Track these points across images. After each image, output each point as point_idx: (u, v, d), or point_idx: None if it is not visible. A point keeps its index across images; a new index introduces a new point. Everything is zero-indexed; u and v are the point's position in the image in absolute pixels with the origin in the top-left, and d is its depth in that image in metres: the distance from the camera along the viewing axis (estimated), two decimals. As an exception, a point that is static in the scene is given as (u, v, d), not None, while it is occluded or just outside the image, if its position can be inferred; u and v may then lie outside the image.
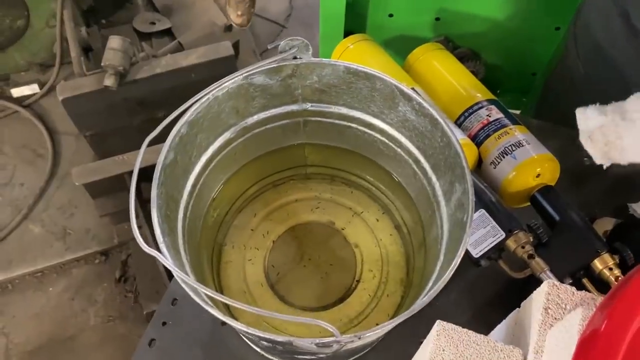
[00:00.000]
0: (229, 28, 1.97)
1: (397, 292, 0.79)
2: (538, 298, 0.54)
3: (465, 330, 0.52)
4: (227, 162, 0.76)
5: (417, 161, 0.72)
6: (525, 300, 0.59)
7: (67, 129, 1.98)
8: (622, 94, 0.67)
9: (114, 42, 1.59)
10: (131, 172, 0.74)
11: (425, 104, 0.65)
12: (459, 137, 0.64)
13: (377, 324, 0.76)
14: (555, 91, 1.04)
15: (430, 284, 0.63)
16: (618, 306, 0.44)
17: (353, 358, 0.76)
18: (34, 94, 2.04)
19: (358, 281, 0.79)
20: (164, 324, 0.81)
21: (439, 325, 0.52)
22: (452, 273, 0.55)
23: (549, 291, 0.53)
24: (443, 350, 0.51)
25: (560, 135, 0.89)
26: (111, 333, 1.79)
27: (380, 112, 0.72)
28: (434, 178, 0.70)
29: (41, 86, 2.04)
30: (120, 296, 1.83)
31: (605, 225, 0.82)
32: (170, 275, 1.50)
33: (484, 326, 0.70)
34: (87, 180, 1.61)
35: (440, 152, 0.66)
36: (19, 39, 1.96)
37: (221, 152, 0.73)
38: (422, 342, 0.59)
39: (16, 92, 2.03)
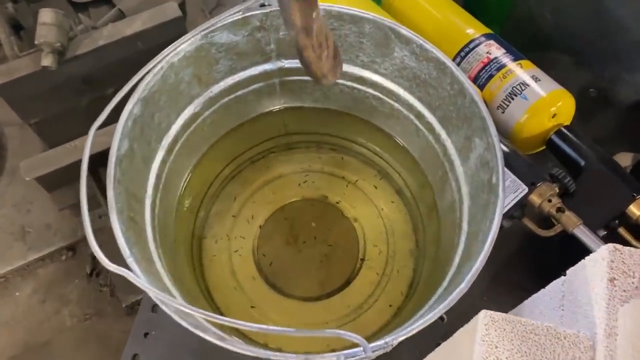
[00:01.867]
0: (173, -13, 1.79)
1: (408, 266, 0.69)
2: (597, 267, 0.45)
3: (518, 319, 0.43)
4: (195, 142, 0.64)
5: (420, 116, 0.61)
6: (574, 268, 0.50)
7: (9, 119, 1.79)
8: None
9: (46, 15, 1.40)
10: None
11: (428, 46, 0.54)
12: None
13: (390, 305, 0.67)
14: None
15: (457, 258, 0.53)
16: None
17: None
18: (-35, 85, 1.84)
19: (363, 260, 0.70)
20: (145, 335, 0.70)
21: (486, 317, 0.43)
22: (490, 248, 0.46)
23: (612, 258, 0.43)
24: (496, 347, 0.42)
25: (556, 65, 0.79)
26: (91, 332, 1.67)
27: (372, 61, 0.60)
28: (443, 134, 0.59)
29: (-29, 75, 1.83)
30: (95, 292, 1.71)
31: (623, 160, 0.74)
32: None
33: (507, 290, 0.62)
34: (39, 173, 1.44)
35: (451, 102, 0.56)
36: (-63, 24, 1.74)
37: (186, 131, 0.61)
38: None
39: (-56, 84, 1.83)
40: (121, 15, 1.86)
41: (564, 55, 0.80)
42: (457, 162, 0.58)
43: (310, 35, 0.42)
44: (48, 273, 1.78)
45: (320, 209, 0.72)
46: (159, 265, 0.52)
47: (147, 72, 0.52)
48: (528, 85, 0.70)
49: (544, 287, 0.52)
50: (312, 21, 0.41)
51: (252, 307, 0.67)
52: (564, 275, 0.53)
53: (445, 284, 0.52)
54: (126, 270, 0.44)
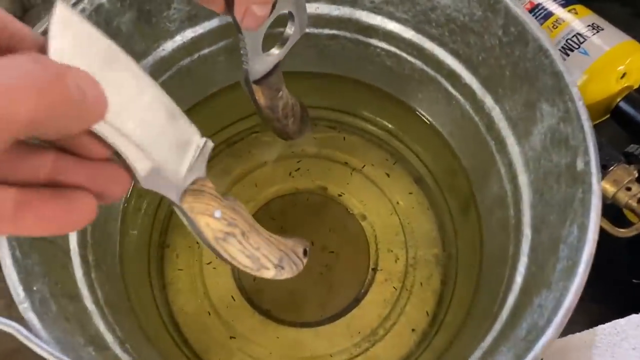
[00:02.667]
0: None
1: (434, 277, 0.53)
2: None
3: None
4: (146, 121, 0.47)
5: (452, 76, 0.44)
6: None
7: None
8: None
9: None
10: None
11: (472, -29, 0.37)
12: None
13: (413, 330, 0.51)
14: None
15: (518, 278, 0.37)
16: None
17: None
18: None
19: (375, 269, 0.54)
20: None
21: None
22: (587, 271, 0.29)
23: None
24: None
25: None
26: None
27: (385, 1, 0.43)
28: (488, 100, 0.42)
29: None
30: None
31: None
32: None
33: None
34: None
35: (502, 54, 0.39)
36: None
37: (131, 105, 0.44)
38: None
39: None
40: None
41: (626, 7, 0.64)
42: (510, 139, 0.41)
43: (276, 112, 0.42)
44: None
45: (318, 204, 0.56)
46: (88, 300, 0.36)
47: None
48: (587, 37, 0.53)
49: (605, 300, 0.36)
50: (277, 100, 0.41)
51: (231, 337, 0.51)
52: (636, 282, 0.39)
53: (504, 316, 0.36)
54: (14, 325, 0.27)
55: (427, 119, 0.50)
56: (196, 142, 0.27)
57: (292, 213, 0.56)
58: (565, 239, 0.33)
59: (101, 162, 0.20)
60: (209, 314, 0.52)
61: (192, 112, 0.50)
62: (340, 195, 0.56)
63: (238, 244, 0.32)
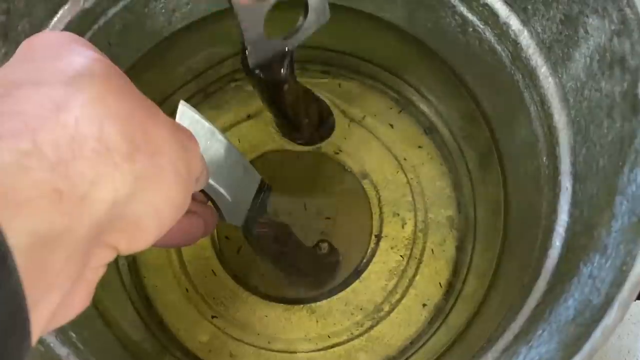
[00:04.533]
0: None
1: (449, 242, 0.46)
2: None
3: None
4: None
5: (467, -6, 0.36)
6: None
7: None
8: None
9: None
10: None
11: None
12: None
13: (424, 305, 0.44)
14: None
15: (556, 241, 0.29)
16: None
17: None
18: None
19: (378, 236, 0.46)
20: None
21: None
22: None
23: None
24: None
25: None
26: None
27: None
28: (514, 21, 0.34)
29: None
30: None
31: None
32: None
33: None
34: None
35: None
36: None
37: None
38: None
39: None
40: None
41: None
42: (542, 69, 0.33)
43: (281, 108, 0.37)
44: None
45: (311, 162, 0.48)
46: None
47: None
48: None
49: None
50: (283, 95, 0.35)
51: (213, 317, 0.44)
52: None
53: (539, 289, 0.28)
54: None
55: (437, 53, 0.41)
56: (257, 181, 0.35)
57: (281, 173, 0.48)
58: (624, 190, 0.25)
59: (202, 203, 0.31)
60: (187, 291, 0.45)
61: (161, 51, 0.42)
62: (337, 153, 0.48)
63: None
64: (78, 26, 0.36)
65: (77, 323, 0.31)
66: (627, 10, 0.26)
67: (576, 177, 0.30)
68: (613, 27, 0.27)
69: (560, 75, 0.32)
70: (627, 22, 0.26)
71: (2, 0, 0.31)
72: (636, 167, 0.25)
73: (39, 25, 0.34)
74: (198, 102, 0.49)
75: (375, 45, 0.45)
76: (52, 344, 0.28)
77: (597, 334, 0.21)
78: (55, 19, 0.35)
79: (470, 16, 0.37)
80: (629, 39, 0.26)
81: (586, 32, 0.29)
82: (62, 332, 0.30)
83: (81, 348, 0.31)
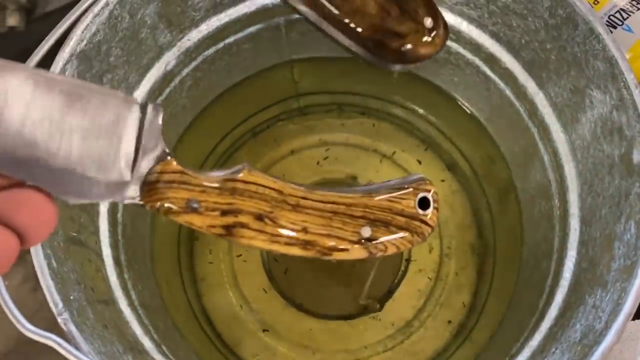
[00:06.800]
0: None
1: (470, 267, 0.52)
2: None
3: None
4: (172, 114, 0.45)
5: (492, 60, 0.42)
6: None
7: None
8: None
9: (5, -34, 1.20)
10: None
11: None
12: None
13: (449, 322, 0.50)
14: None
15: (566, 273, 0.35)
16: None
17: None
18: None
19: (408, 260, 0.52)
20: None
21: None
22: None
23: None
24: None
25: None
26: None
27: (420, -17, 0.41)
28: (531, 85, 0.40)
29: None
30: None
31: None
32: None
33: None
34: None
35: (549, 37, 0.37)
36: None
37: (157, 98, 0.43)
38: None
39: None
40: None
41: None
42: (555, 126, 0.39)
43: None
44: (39, 259, 1.62)
45: (348, 193, 0.54)
46: (122, 303, 0.35)
47: (84, 13, 0.34)
48: (630, 13, 0.50)
49: None
50: None
51: (264, 330, 0.51)
52: None
53: (552, 313, 0.35)
54: (53, 337, 0.27)
55: (462, 103, 0.48)
56: (132, 117, 0.19)
57: (322, 203, 0.54)
58: (621, 236, 0.31)
59: (10, 189, 0.16)
60: (241, 307, 0.51)
61: (219, 101, 0.49)
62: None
63: (258, 233, 0.23)
64: (161, 85, 0.42)
65: (165, 339, 0.38)
66: (624, 91, 0.32)
67: (583, 221, 0.36)
68: (613, 102, 0.33)
69: (569, 134, 0.38)
70: (624, 100, 0.32)
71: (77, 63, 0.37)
72: (630, 219, 0.31)
73: (132, 88, 0.40)
74: (246, 140, 0.55)
75: (406, 94, 0.52)
76: (156, 359, 0.34)
77: (598, 354, 0.27)
78: (144, 80, 0.41)
79: (493, 76, 0.43)
80: (625, 114, 0.32)
81: (591, 102, 0.35)
82: (158, 345, 0.36)
83: (171, 358, 0.37)
